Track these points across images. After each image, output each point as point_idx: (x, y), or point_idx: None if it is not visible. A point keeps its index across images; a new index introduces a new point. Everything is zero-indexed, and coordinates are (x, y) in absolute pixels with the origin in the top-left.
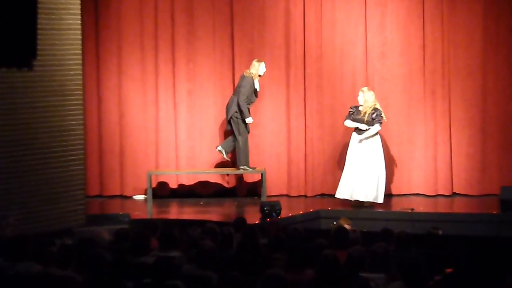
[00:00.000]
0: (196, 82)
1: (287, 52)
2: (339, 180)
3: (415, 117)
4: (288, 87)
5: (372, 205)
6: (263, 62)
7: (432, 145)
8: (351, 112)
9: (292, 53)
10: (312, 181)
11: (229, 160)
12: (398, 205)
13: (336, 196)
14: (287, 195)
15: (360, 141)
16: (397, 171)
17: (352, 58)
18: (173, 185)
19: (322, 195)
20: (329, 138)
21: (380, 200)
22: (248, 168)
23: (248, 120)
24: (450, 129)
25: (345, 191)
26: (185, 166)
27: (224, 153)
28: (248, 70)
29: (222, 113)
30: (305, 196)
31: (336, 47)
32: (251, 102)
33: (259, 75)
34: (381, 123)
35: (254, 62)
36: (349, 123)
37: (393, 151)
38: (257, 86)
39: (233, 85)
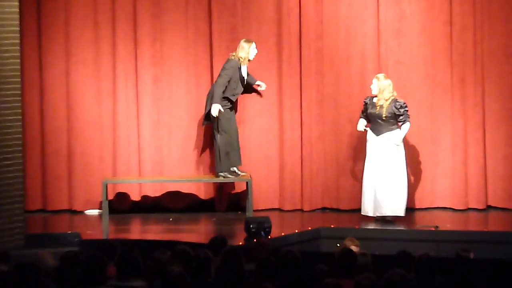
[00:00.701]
0: (164, 66)
1: (279, 28)
2: (344, 190)
3: (440, 111)
4: (280, 73)
5: (393, 219)
6: (253, 43)
7: (461, 146)
8: (365, 106)
9: (285, 30)
10: (310, 192)
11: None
12: (418, 222)
13: (362, 213)
14: (279, 209)
15: (384, 144)
16: (417, 179)
17: (361, 36)
18: (135, 196)
19: (323, 209)
20: (331, 138)
21: (402, 212)
22: (230, 176)
23: (213, 108)
24: (484, 126)
25: (368, 206)
26: (150, 173)
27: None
28: (234, 53)
29: (197, 105)
30: (302, 210)
31: (340, 22)
32: (236, 94)
33: (249, 60)
34: (409, 118)
35: (242, 44)
36: (360, 125)
37: (413, 154)
38: (244, 73)
39: (211, 69)
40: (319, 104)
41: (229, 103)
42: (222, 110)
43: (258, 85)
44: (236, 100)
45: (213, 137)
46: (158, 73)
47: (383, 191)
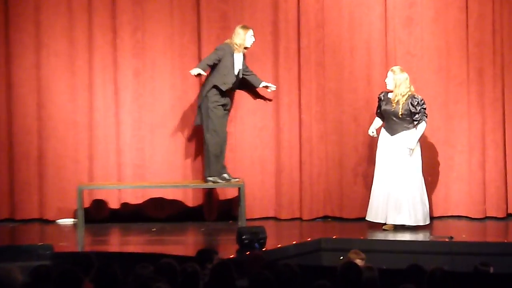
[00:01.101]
0: (147, 58)
1: (275, 16)
2: (348, 196)
3: (455, 108)
4: (276, 66)
5: (389, 228)
6: (250, 30)
7: (478, 147)
8: (380, 102)
9: (282, 18)
10: (310, 199)
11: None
12: (431, 233)
13: (367, 218)
14: (275, 218)
15: (399, 145)
16: (429, 185)
17: (366, 24)
18: (114, 204)
19: (325, 218)
20: (334, 138)
21: (426, 220)
22: (220, 181)
23: (193, 70)
24: (504, 124)
25: (376, 212)
26: (130, 178)
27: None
28: (229, 40)
29: (183, 101)
30: (301, 219)
31: (343, 9)
32: (226, 83)
33: (245, 48)
34: (426, 117)
35: (238, 29)
36: (373, 127)
37: (424, 157)
38: (238, 62)
39: (199, 61)
40: (320, 100)
41: (220, 95)
42: (203, 73)
43: (267, 87)
44: (231, 97)
45: (203, 137)
46: (139, 65)
47: (401, 197)
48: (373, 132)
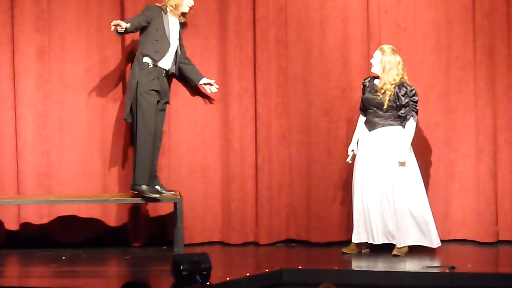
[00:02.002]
0: (54, 33)
1: None
2: (318, 214)
3: (458, 99)
4: (223, 44)
5: (400, 253)
6: None
7: (488, 149)
8: (364, 90)
9: None
10: (269, 217)
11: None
12: (427, 261)
13: (353, 240)
14: (222, 243)
15: (380, 145)
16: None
17: None
18: (11, 224)
19: (288, 242)
20: (300, 138)
21: (437, 242)
22: (150, 194)
23: (115, 22)
24: None
25: (359, 231)
26: (33, 190)
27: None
28: (163, 3)
29: (103, 90)
30: (257, 244)
31: None
32: (159, 51)
33: (182, 13)
34: (417, 112)
35: None
36: (358, 133)
37: (418, 162)
38: (173, 28)
39: (122, 36)
40: (281, 88)
41: (153, 76)
42: (125, 25)
43: (208, 84)
44: (168, 84)
45: (132, 133)
46: (44, 42)
47: (387, 212)
48: (352, 151)
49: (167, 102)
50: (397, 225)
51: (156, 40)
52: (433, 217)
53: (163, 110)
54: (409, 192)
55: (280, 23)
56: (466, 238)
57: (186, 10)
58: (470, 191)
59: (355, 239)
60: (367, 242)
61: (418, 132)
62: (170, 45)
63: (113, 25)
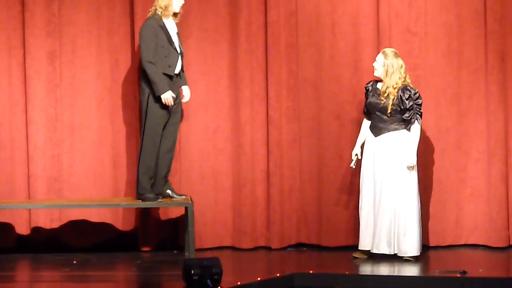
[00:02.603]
0: (65, 38)
1: None
2: (329, 219)
3: (469, 103)
4: (234, 48)
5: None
6: None
7: (500, 154)
8: (367, 94)
9: None
10: (280, 222)
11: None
12: (437, 266)
13: (359, 248)
14: (233, 248)
15: (384, 151)
16: (435, 205)
17: None
18: (22, 229)
19: (299, 246)
20: (311, 141)
21: (416, 251)
22: (158, 198)
23: (165, 95)
24: None
25: (366, 238)
26: (44, 194)
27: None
28: (151, 8)
29: (113, 94)
30: (269, 248)
31: None
32: (172, 64)
33: (175, 13)
34: (421, 117)
35: None
36: (361, 138)
37: (428, 167)
38: (172, 31)
39: (132, 39)
40: (292, 92)
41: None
42: (174, 95)
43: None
44: (179, 75)
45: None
46: (55, 47)
47: (392, 221)
48: (356, 155)
49: (180, 104)
50: (405, 232)
51: (165, 56)
52: (443, 222)
53: (178, 112)
54: (406, 199)
55: (291, 27)
56: (478, 243)
57: (177, 10)
58: (482, 196)
59: (361, 246)
60: (369, 251)
61: (430, 137)
62: (178, 53)
63: (172, 104)
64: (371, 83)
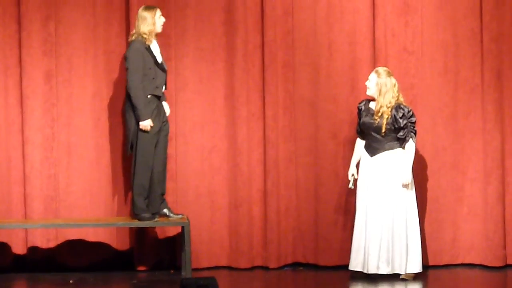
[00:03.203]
0: (61, 57)
1: (229, 0)
2: (325, 238)
3: (465, 122)
4: (230, 67)
5: (408, 277)
6: (157, 10)
7: (496, 173)
8: (360, 114)
9: (240, 2)
10: (277, 241)
11: None
12: (435, 285)
13: (349, 268)
14: (229, 268)
15: (379, 169)
16: (431, 224)
17: (349, 12)
18: (18, 248)
19: (295, 265)
20: (309, 160)
21: (419, 268)
22: (154, 217)
23: (145, 123)
24: None
25: (357, 258)
26: (40, 214)
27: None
28: (133, 31)
29: (109, 113)
30: (266, 268)
31: None
32: (159, 86)
33: (156, 33)
34: (415, 134)
35: (143, 13)
36: (356, 156)
37: (424, 186)
38: (157, 53)
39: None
40: (288, 111)
41: (153, 104)
42: (152, 124)
43: None
44: (163, 95)
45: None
46: (52, 66)
47: (390, 239)
48: (352, 175)
49: (167, 121)
50: (399, 251)
51: (153, 78)
52: (440, 241)
53: (166, 126)
54: (406, 217)
55: (287, 46)
56: (474, 262)
57: (160, 30)
58: (478, 215)
59: (352, 266)
60: (361, 272)
61: (426, 155)
62: (164, 73)
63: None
64: (364, 102)
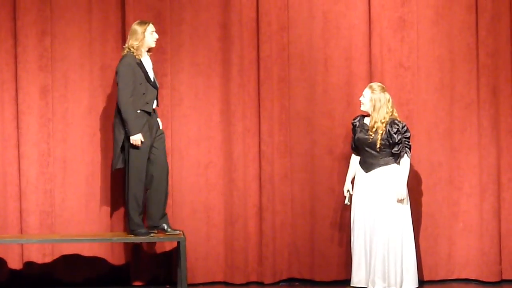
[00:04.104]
0: (57, 72)
1: (225, 15)
2: (322, 253)
3: (461, 138)
4: (226, 82)
5: None
6: (150, 25)
7: (492, 189)
8: (354, 130)
9: (235, 18)
10: (273, 257)
11: None
12: None
13: (351, 284)
14: (224, 283)
15: (374, 186)
16: (427, 239)
17: (345, 28)
18: (14, 263)
19: (291, 280)
20: (304, 176)
21: (415, 283)
22: (150, 232)
23: (135, 138)
24: None
25: (358, 274)
26: (36, 229)
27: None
28: (125, 45)
29: (106, 129)
30: (261, 283)
31: (315, 7)
32: (149, 101)
33: (149, 48)
34: (410, 149)
35: (133, 27)
36: (351, 172)
37: (420, 201)
38: (149, 67)
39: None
40: (284, 127)
41: (143, 120)
42: (143, 139)
43: None
44: (155, 112)
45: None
46: (48, 81)
47: (386, 255)
48: (348, 191)
49: (162, 133)
50: (394, 267)
51: (143, 94)
52: (435, 256)
53: (162, 141)
54: (401, 232)
55: (283, 61)
56: (470, 278)
57: (153, 45)
58: (474, 231)
59: (353, 282)
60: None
61: (422, 171)
62: (155, 89)
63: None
64: (358, 118)
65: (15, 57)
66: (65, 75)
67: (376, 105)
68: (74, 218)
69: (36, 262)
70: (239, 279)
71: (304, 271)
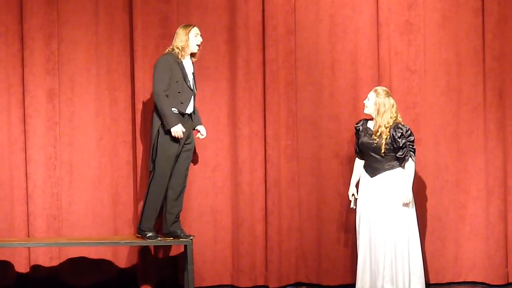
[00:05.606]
0: (64, 76)
1: (232, 19)
2: (328, 257)
3: (468, 141)
4: (233, 85)
5: None
6: (194, 28)
7: (499, 192)
8: (357, 134)
9: (241, 22)
10: (279, 260)
11: None
12: None
13: None
14: (232, 286)
15: (379, 190)
16: (434, 242)
17: (352, 32)
18: (21, 267)
19: (298, 285)
20: (310, 180)
21: (421, 286)
22: (158, 236)
23: (175, 129)
24: None
25: (363, 278)
26: (43, 232)
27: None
28: (169, 47)
29: (112, 132)
30: (266, 287)
31: (322, 11)
32: (184, 101)
33: (193, 52)
34: (414, 153)
35: (178, 30)
36: (355, 177)
37: (426, 205)
38: (189, 70)
39: (132, 79)
40: (291, 130)
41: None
42: (184, 129)
43: (198, 131)
44: (190, 116)
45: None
46: (54, 85)
47: (393, 259)
48: (353, 195)
49: (191, 142)
50: (402, 270)
51: (179, 92)
52: (442, 259)
53: (189, 150)
54: (408, 235)
55: (290, 65)
56: (477, 281)
57: (195, 50)
58: (481, 234)
59: (358, 286)
60: None
61: (429, 174)
62: (192, 91)
63: (180, 136)
64: (361, 122)
65: (22, 61)
66: (71, 78)
67: (380, 109)
68: (80, 221)
69: (43, 265)
70: (245, 283)
71: (311, 276)
